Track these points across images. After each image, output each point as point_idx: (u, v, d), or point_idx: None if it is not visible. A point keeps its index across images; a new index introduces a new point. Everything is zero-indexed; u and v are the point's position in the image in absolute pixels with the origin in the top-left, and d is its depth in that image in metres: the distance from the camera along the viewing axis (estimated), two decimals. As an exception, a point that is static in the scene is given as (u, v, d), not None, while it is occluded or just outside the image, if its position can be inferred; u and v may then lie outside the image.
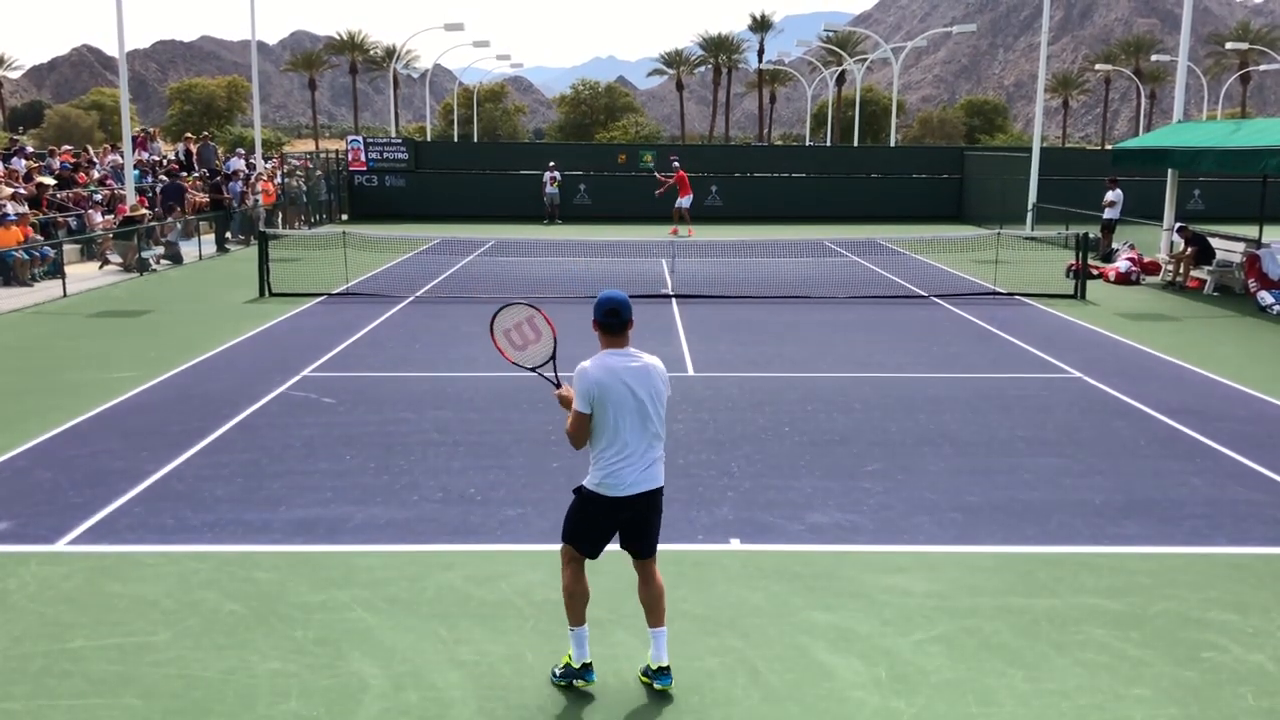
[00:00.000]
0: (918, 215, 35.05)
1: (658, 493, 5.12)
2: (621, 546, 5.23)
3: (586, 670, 5.20)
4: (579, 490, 5.13)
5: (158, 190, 26.88)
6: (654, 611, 5.20)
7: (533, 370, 5.41)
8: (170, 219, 23.76)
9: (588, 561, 5.19)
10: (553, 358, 5.37)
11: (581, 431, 4.98)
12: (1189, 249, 20.09)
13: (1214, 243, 20.32)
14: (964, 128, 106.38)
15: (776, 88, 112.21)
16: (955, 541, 7.15)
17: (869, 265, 22.77)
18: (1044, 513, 7.68)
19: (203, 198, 27.29)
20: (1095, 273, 20.52)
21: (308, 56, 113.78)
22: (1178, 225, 21.20)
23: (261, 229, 22.26)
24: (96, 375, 11.90)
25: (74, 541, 7.04)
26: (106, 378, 11.75)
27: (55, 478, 8.32)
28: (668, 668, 5.16)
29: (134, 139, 31.72)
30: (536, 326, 5.28)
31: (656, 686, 5.14)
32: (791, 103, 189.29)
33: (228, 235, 26.12)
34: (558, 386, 5.19)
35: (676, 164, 32.27)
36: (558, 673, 5.24)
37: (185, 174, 29.36)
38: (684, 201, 30.37)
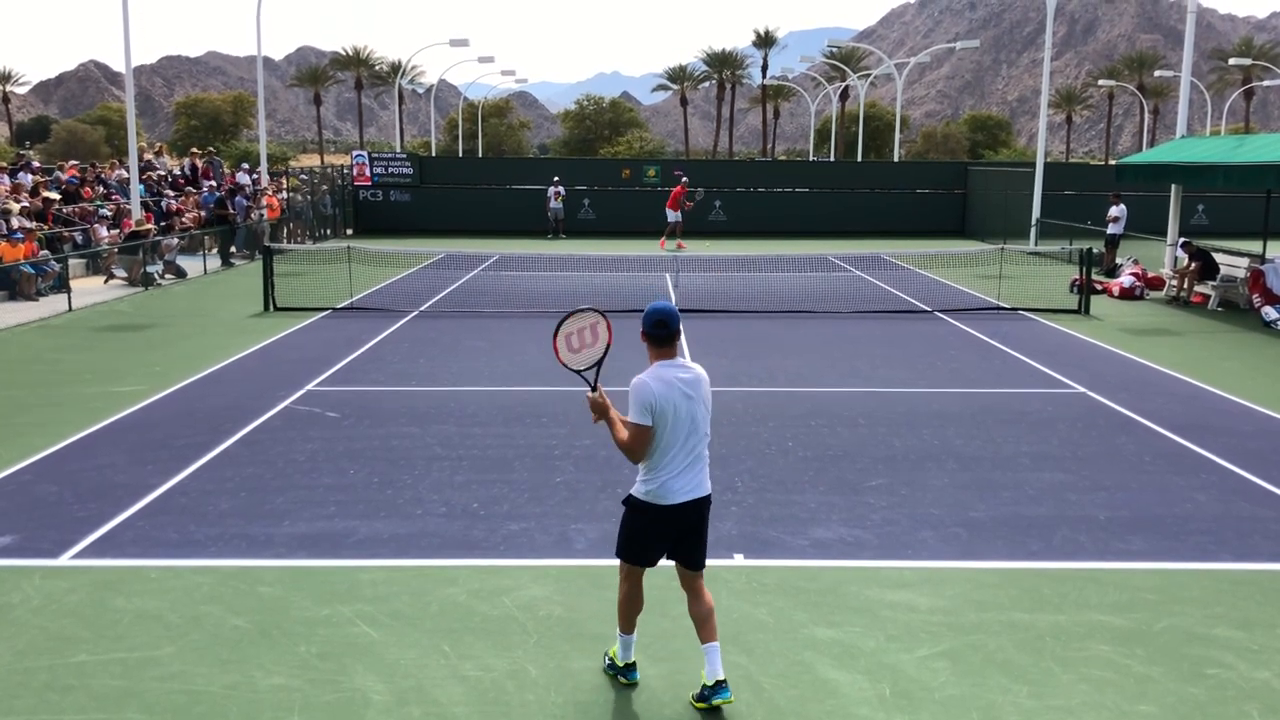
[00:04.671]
0: (921, 230, 35.09)
1: (706, 501, 5.17)
2: (671, 558, 5.24)
3: (630, 669, 5.36)
4: (629, 500, 5.17)
5: (164, 204, 26.97)
6: (705, 626, 5.18)
7: (576, 372, 5.32)
8: (197, 231, 23.97)
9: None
10: (599, 364, 5.30)
11: (643, 445, 4.99)
12: (1193, 264, 20.09)
13: (1218, 258, 20.32)
14: (967, 143, 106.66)
15: (780, 103, 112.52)
16: (959, 557, 7.14)
17: (873, 280, 22.78)
18: (1048, 528, 7.66)
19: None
20: (1099, 288, 20.54)
21: (313, 72, 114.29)
22: (1182, 240, 21.20)
23: (266, 243, 22.31)
24: (101, 389, 11.93)
25: (78, 555, 7.05)
26: (111, 392, 11.77)
27: (59, 491, 8.33)
28: (724, 682, 5.11)
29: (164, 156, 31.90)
30: (596, 332, 5.29)
31: (715, 701, 5.08)
32: (795, 118, 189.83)
33: (232, 250, 26.19)
34: (593, 390, 5.13)
35: (684, 178, 32.37)
36: (605, 661, 5.47)
37: (191, 189, 29.43)
38: (675, 216, 30.34)
